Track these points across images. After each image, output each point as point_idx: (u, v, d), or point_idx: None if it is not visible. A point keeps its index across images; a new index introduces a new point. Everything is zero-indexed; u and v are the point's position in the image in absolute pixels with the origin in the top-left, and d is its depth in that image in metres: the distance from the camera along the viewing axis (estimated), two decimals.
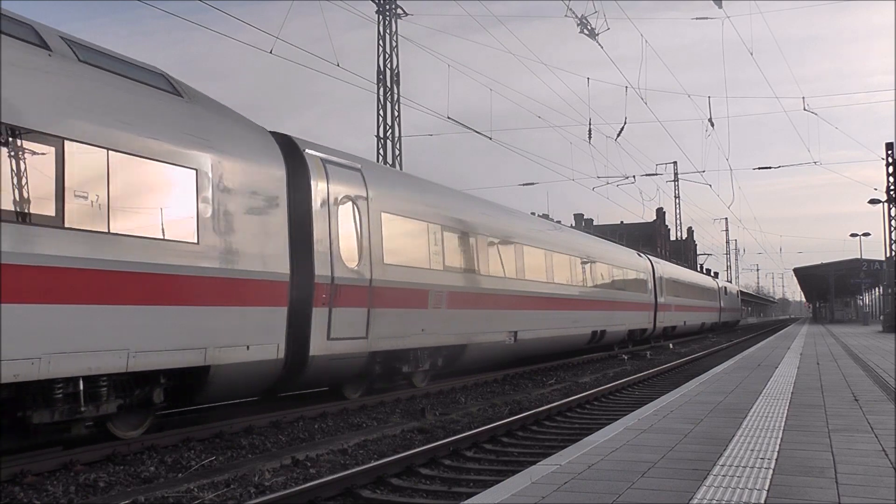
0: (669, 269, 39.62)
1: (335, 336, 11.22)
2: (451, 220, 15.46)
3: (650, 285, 33.33)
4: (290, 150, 11.23)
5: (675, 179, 72.40)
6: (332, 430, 10.46)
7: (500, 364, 18.97)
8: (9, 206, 6.92)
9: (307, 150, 11.46)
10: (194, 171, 9.11)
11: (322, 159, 11.66)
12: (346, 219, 11.88)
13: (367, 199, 12.46)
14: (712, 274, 76.09)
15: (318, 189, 11.29)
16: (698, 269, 78.86)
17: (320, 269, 11.02)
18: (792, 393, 10.08)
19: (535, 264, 19.75)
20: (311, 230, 10.98)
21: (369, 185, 12.66)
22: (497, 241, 17.60)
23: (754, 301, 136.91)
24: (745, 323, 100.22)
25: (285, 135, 11.57)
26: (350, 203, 12.03)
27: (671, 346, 34.49)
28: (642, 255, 35.02)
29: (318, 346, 10.92)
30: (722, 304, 57.46)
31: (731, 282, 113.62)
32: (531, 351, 20.07)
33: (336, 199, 11.68)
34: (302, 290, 10.70)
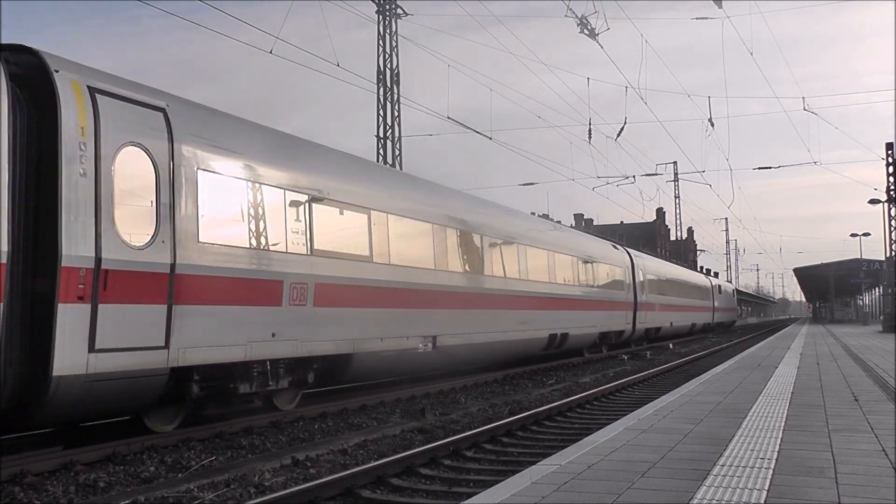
0: (653, 265, 35.87)
1: (105, 346, 7.97)
2: (326, 188, 11.74)
3: (628, 281, 29.44)
4: (33, 72, 8.06)
5: (675, 179, 72.46)
6: (332, 430, 10.46)
7: (419, 375, 15.79)
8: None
9: (60, 72, 8.08)
10: None
11: (91, 88, 8.27)
12: (131, 175, 8.59)
13: (171, 149, 9.05)
14: (712, 273, 75.85)
15: (72, 127, 7.93)
16: (698, 269, 78.63)
17: (73, 246, 7.75)
18: (792, 393, 10.08)
19: (465, 252, 16.28)
20: (57, 187, 7.76)
21: (179, 130, 9.23)
22: (404, 219, 13.96)
23: (754, 301, 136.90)
24: (743, 323, 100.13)
25: (27, 48, 8.22)
26: (141, 154, 8.69)
27: (671, 346, 34.45)
28: (619, 247, 30.97)
29: (71, 361, 7.65)
30: (716, 304, 53.73)
31: (731, 281, 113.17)
32: (460, 360, 16.23)
33: (113, 146, 8.37)
34: (39, 276, 7.70)
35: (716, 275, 79.41)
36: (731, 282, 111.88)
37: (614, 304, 27.30)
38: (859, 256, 53.97)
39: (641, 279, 31.29)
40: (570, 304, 22.36)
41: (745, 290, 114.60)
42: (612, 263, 27.78)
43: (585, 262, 24.54)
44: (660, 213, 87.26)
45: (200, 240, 9.28)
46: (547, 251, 21.35)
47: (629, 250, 31.87)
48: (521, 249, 19.31)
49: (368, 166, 15.17)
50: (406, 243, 13.93)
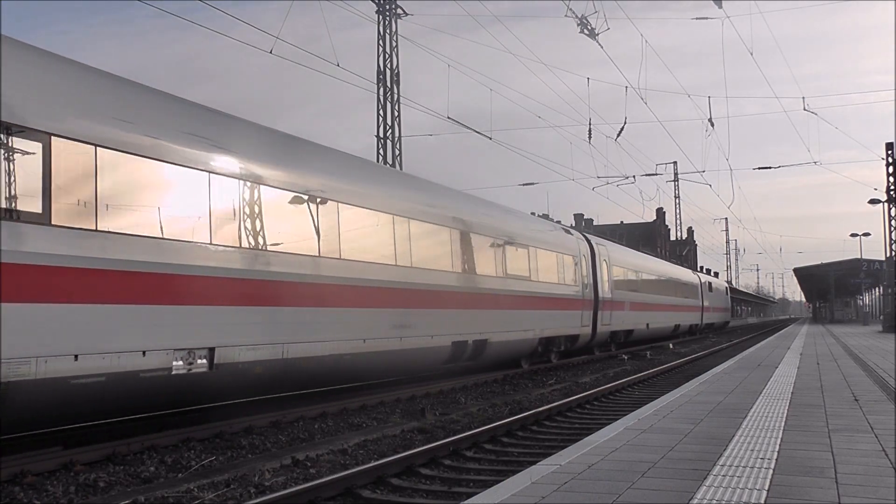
0: (623, 256, 30.02)
1: None
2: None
3: (585, 274, 23.70)
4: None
5: (675, 179, 72.39)
6: (332, 430, 10.46)
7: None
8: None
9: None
10: None
11: None
12: None
13: None
14: (712, 273, 75.57)
15: None
16: (699, 270, 78.44)
17: None
18: (792, 393, 10.08)
19: (296, 224, 10.94)
20: None
21: None
22: (202, 171, 9.41)
23: (754, 301, 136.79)
24: (743, 323, 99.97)
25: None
26: None
27: (671, 346, 34.40)
28: (574, 231, 25.21)
29: None
30: (705, 303, 48.13)
31: (730, 281, 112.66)
32: (260, 385, 10.63)
33: None
34: None
35: (716, 274, 79.09)
36: (730, 282, 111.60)
37: (563, 301, 21.44)
38: (859, 256, 53.95)
39: (606, 273, 25.84)
40: (489, 301, 16.81)
41: (745, 290, 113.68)
42: (562, 251, 21.91)
43: (515, 247, 18.77)
44: (660, 213, 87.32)
45: None
46: (449, 229, 15.63)
47: (590, 237, 25.94)
48: (395, 224, 13.56)
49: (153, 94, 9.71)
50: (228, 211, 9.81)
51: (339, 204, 11.88)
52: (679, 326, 39.72)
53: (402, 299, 13.47)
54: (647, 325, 31.82)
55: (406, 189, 14.87)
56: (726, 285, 65.14)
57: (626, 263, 29.75)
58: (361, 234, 12.44)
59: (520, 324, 18.51)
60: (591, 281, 24.36)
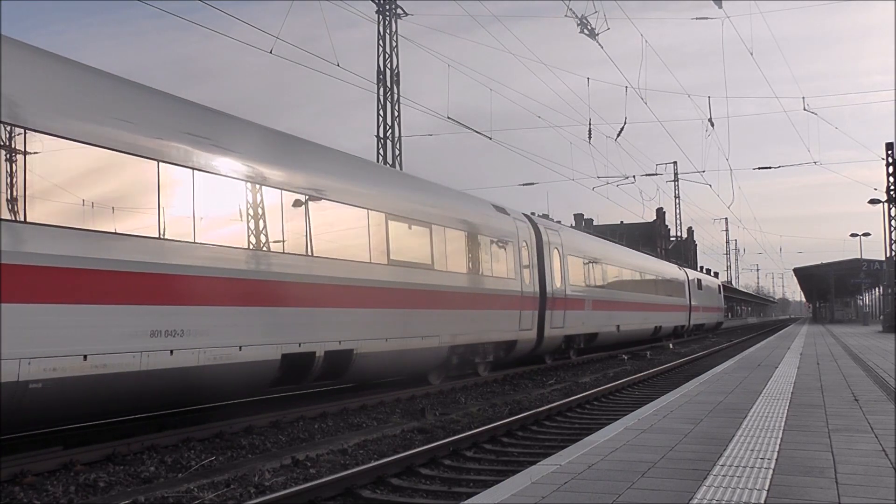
0: (583, 245, 24.66)
1: None
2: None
3: (525, 264, 18.90)
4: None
5: (675, 179, 72.51)
6: (332, 430, 10.46)
7: None
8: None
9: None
10: None
11: None
12: None
13: None
14: (712, 274, 75.32)
15: None
16: (699, 269, 78.02)
17: None
18: (792, 393, 10.08)
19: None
20: None
21: None
22: None
23: (753, 301, 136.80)
24: (743, 323, 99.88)
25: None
26: None
27: (671, 346, 34.35)
28: (510, 211, 19.43)
29: None
30: (694, 302, 43.22)
31: (730, 281, 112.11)
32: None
33: None
34: None
35: (716, 275, 78.80)
36: (729, 281, 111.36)
37: (488, 299, 16.68)
38: (859, 256, 53.97)
39: (558, 264, 21.15)
40: (351, 296, 11.90)
41: (742, 289, 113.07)
42: (488, 234, 17.10)
43: (407, 223, 13.85)
44: (660, 213, 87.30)
45: None
46: (315, 200, 11.34)
47: (537, 220, 21.42)
48: (251, 192, 10.08)
49: None
50: None
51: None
52: (660, 328, 34.56)
53: (162, 291, 8.51)
54: (618, 326, 26.80)
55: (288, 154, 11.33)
56: (719, 283, 58.80)
57: (589, 254, 24.63)
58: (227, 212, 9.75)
59: (414, 327, 13.56)
60: (537, 274, 19.48)
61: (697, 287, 44.85)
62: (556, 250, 21.21)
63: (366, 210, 12.58)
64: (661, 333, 35.46)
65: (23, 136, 7.36)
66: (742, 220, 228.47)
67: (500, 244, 17.69)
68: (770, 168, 76.99)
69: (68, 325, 7.52)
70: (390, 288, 13.05)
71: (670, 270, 39.83)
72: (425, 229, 14.52)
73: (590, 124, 33.57)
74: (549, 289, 20.13)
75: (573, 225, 77.03)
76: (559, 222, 38.32)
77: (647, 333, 32.45)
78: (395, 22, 26.66)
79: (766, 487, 4.72)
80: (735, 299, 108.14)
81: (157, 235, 8.57)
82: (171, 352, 8.57)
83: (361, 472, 7.21)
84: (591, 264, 24.60)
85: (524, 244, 19.11)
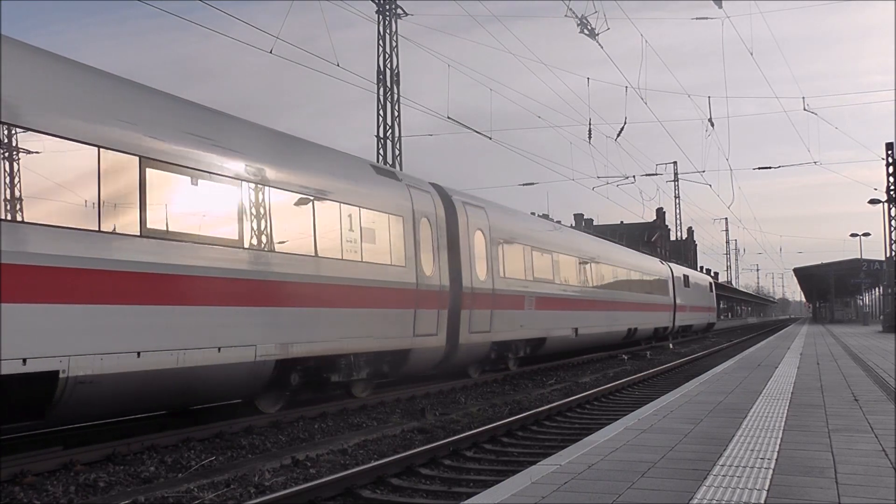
0: (523, 226, 19.77)
1: None
2: None
3: (423, 248, 14.24)
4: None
5: (675, 179, 72.43)
6: (332, 430, 10.46)
7: None
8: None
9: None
10: None
11: None
12: None
13: None
14: (712, 274, 75.07)
15: None
16: (699, 269, 77.75)
17: None
18: (792, 393, 10.08)
19: None
20: None
21: None
22: None
23: (753, 300, 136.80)
24: (743, 323, 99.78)
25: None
26: None
27: (671, 346, 34.29)
28: (402, 176, 14.85)
29: None
30: (679, 300, 38.41)
31: (730, 281, 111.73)
32: None
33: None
34: None
35: (716, 275, 78.48)
36: (730, 281, 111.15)
37: (357, 293, 12.09)
38: (859, 256, 53.98)
39: (483, 250, 16.70)
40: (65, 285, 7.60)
41: (737, 287, 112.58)
42: (365, 205, 12.63)
43: (219, 181, 9.70)
44: (660, 213, 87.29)
45: None
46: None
47: (449, 191, 16.23)
48: None
49: None
50: None
51: None
52: (636, 331, 29.62)
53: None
54: (576, 330, 22.16)
55: None
56: (710, 280, 53.08)
57: (533, 240, 19.78)
58: None
59: (199, 331, 9.09)
60: (447, 262, 14.95)
61: (684, 284, 40.31)
62: (479, 233, 16.59)
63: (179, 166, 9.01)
64: (638, 336, 30.79)
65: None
66: (742, 220, 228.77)
67: (381, 219, 12.91)
68: (770, 168, 77.16)
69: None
70: (144, 273, 8.42)
71: (650, 265, 34.60)
72: (254, 192, 10.16)
73: (590, 124, 33.51)
74: (467, 282, 15.54)
75: (573, 225, 76.85)
76: (559, 222, 37.80)
77: (617, 337, 27.76)
78: (395, 22, 26.66)
79: (766, 487, 4.72)
80: (734, 299, 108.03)
81: None
82: None
83: (361, 472, 7.21)
84: (537, 253, 19.88)
85: (425, 221, 14.28)
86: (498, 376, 17.77)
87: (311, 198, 11.29)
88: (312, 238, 11.24)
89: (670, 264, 40.53)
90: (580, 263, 23.85)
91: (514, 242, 18.56)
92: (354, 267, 12.07)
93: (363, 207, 12.54)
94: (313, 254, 11.17)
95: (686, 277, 41.55)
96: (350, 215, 12.18)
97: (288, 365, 10.78)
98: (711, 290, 50.30)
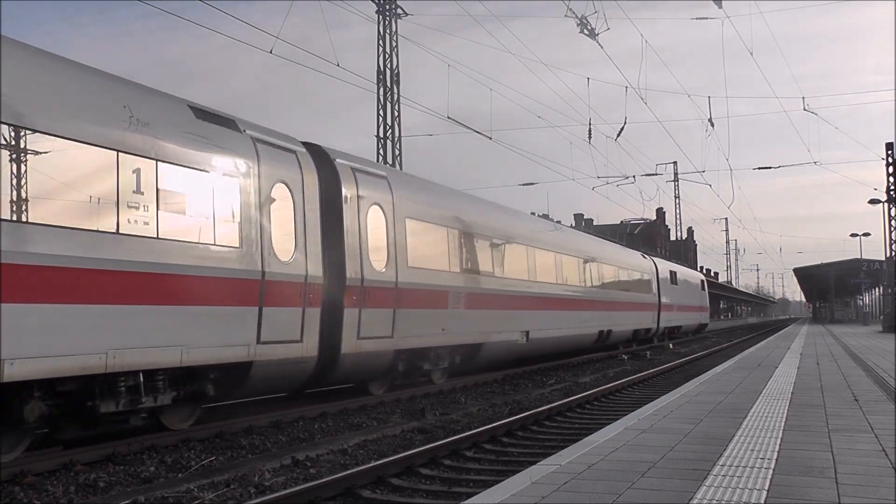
0: (447, 204, 16.22)
1: None
2: None
3: (278, 225, 10.74)
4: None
5: (675, 179, 72.40)
6: (332, 430, 10.46)
7: None
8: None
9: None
10: None
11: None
12: None
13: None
14: (712, 274, 74.86)
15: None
16: (699, 270, 77.57)
17: None
18: (792, 393, 10.08)
19: None
20: None
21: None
22: None
23: (753, 300, 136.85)
24: (743, 323, 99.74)
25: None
26: None
27: (671, 345, 34.25)
28: (241, 125, 10.59)
29: None
30: (664, 300, 34.58)
31: (730, 282, 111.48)
32: None
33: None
34: None
35: (716, 275, 78.28)
36: (730, 281, 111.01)
37: (149, 282, 8.59)
38: (859, 256, 54.02)
39: (385, 233, 13.21)
40: None
41: (732, 286, 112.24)
42: (172, 159, 9.08)
43: None
44: (660, 213, 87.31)
45: None
46: None
47: (330, 152, 12.62)
48: None
49: None
50: None
51: None
52: (609, 333, 26.04)
53: None
54: (526, 334, 18.66)
55: None
56: (702, 277, 48.32)
57: (460, 221, 15.98)
58: None
59: None
60: (319, 245, 11.46)
61: (671, 281, 36.50)
62: (377, 209, 13.02)
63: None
64: (613, 340, 27.10)
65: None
66: (742, 220, 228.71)
67: (198, 181, 9.40)
68: (770, 168, 77.07)
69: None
70: None
71: (628, 258, 30.77)
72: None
73: (590, 124, 33.46)
74: (353, 272, 12.09)
75: (573, 225, 76.73)
76: (559, 222, 37.43)
77: (585, 341, 24.24)
78: (395, 22, 26.67)
79: (766, 487, 4.72)
80: (733, 298, 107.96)
81: None
82: None
83: (361, 472, 7.21)
84: (469, 239, 16.14)
85: (282, 189, 10.85)
86: (498, 376, 17.74)
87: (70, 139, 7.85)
88: (78, 208, 7.86)
89: (655, 259, 36.21)
90: (534, 254, 19.91)
91: (434, 224, 14.88)
92: (135, 246, 8.39)
93: (163, 161, 8.89)
94: (35, 221, 7.43)
95: (673, 274, 37.86)
96: (138, 171, 8.56)
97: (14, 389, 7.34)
98: (703, 289, 46.35)
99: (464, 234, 16.06)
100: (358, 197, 12.59)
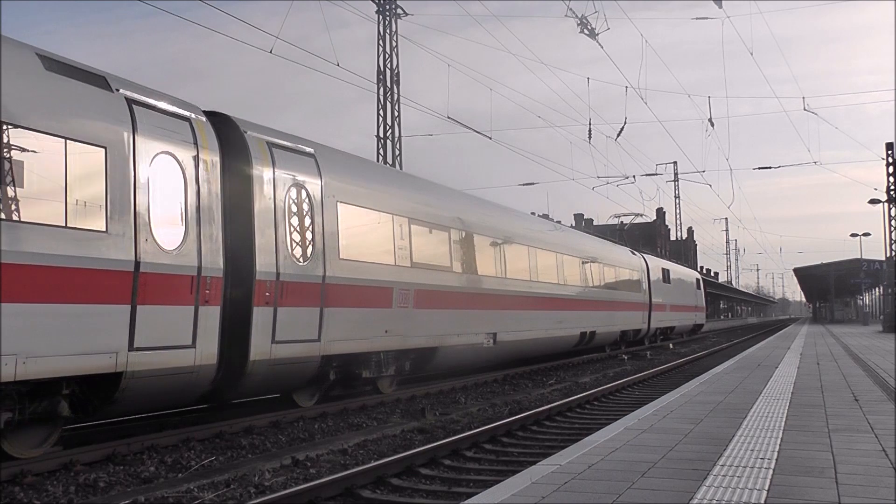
0: (373, 183, 13.38)
1: None
2: None
3: (172, 205, 9.11)
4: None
5: (675, 179, 72.48)
6: (332, 430, 10.46)
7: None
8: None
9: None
10: None
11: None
12: None
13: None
14: (712, 274, 74.82)
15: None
16: (699, 270, 77.44)
17: None
18: (792, 393, 10.08)
19: None
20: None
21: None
22: None
23: (753, 300, 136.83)
24: (743, 323, 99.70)
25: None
26: None
27: (671, 345, 34.26)
28: (117, 84, 8.70)
29: None
30: (655, 299, 32.51)
31: (730, 282, 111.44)
32: None
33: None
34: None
35: (716, 275, 78.21)
36: (730, 282, 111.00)
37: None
38: (859, 256, 54.03)
39: (307, 215, 11.33)
40: None
41: (744, 289, 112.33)
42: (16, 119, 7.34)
43: None
44: (660, 213, 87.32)
45: None
46: None
47: (236, 119, 10.77)
48: None
49: None
50: None
51: None
52: (592, 335, 23.90)
53: None
54: (494, 336, 16.75)
55: None
56: (697, 276, 45.23)
57: (407, 209, 13.90)
58: None
59: None
60: (220, 230, 9.76)
61: (663, 279, 34.37)
62: (300, 190, 11.17)
63: None
64: (597, 342, 25.13)
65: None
66: (742, 220, 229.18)
67: (51, 148, 7.73)
68: (770, 168, 77.17)
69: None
70: None
71: (614, 254, 28.56)
72: None
73: (590, 124, 33.51)
74: (266, 263, 10.29)
75: (573, 225, 76.64)
76: (559, 222, 37.30)
77: (565, 344, 22.16)
78: (395, 22, 26.67)
79: (766, 487, 4.72)
80: (733, 299, 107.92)
81: None
82: None
83: (361, 472, 7.21)
84: (420, 228, 14.22)
85: (167, 161, 9.15)
86: (498, 376, 17.72)
87: None
88: None
89: (645, 256, 34.02)
90: (503, 247, 17.90)
91: (375, 211, 12.94)
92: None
93: None
94: None
95: (666, 272, 35.51)
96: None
97: None
98: (699, 288, 43.59)
99: (414, 223, 14.03)
100: (274, 176, 10.69)
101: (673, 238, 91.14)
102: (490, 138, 25.87)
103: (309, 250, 11.17)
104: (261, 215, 10.37)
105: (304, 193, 11.26)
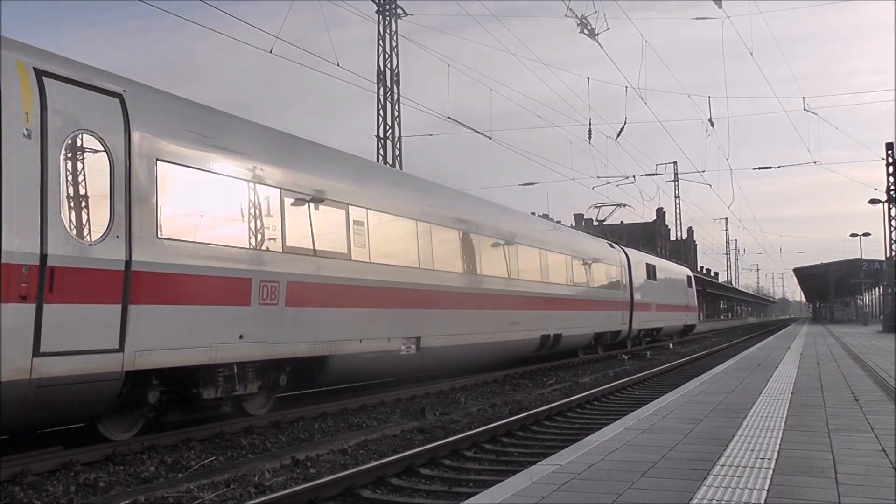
0: (218, 133, 9.86)
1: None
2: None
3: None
4: None
5: (675, 179, 72.52)
6: (332, 430, 10.46)
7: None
8: None
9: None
10: None
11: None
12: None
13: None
14: (712, 274, 74.80)
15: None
16: (699, 269, 77.43)
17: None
18: (792, 393, 10.09)
19: None
20: None
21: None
22: None
23: (753, 300, 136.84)
24: (743, 323, 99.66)
25: None
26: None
27: (671, 345, 34.27)
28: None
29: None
30: (638, 297, 29.24)
31: (730, 282, 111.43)
32: None
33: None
34: None
35: (716, 275, 78.18)
36: (730, 282, 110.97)
37: None
38: (859, 256, 54.04)
39: (102, 177, 8.07)
40: None
41: (744, 289, 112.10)
42: None
43: None
44: (660, 213, 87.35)
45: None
46: None
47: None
48: None
49: None
50: None
51: None
52: (558, 338, 20.69)
53: None
54: (417, 341, 13.81)
55: None
56: (688, 273, 41.23)
57: (278, 174, 10.68)
58: None
59: None
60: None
61: (648, 276, 31.07)
62: (91, 140, 8.11)
63: None
64: (564, 345, 21.67)
65: None
66: (742, 220, 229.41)
67: None
68: (770, 168, 77.22)
69: None
70: None
71: (587, 247, 25.08)
72: None
73: (590, 124, 33.49)
74: (22, 241, 7.24)
75: (573, 225, 76.67)
76: (559, 222, 37.05)
77: (519, 348, 18.84)
78: (395, 22, 26.68)
79: (766, 487, 4.73)
80: (733, 298, 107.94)
81: None
82: None
83: (361, 472, 7.21)
84: (305, 205, 11.11)
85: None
86: (498, 375, 17.71)
87: None
88: None
89: (627, 249, 30.19)
90: (431, 232, 14.76)
91: (225, 176, 9.78)
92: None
93: None
94: None
95: (651, 267, 31.88)
96: None
97: None
98: (690, 286, 39.76)
99: (289, 194, 10.83)
100: (45, 118, 7.59)
101: (673, 238, 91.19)
102: (490, 138, 25.88)
103: (104, 224, 8.06)
104: (14, 172, 7.22)
105: (98, 144, 8.12)
